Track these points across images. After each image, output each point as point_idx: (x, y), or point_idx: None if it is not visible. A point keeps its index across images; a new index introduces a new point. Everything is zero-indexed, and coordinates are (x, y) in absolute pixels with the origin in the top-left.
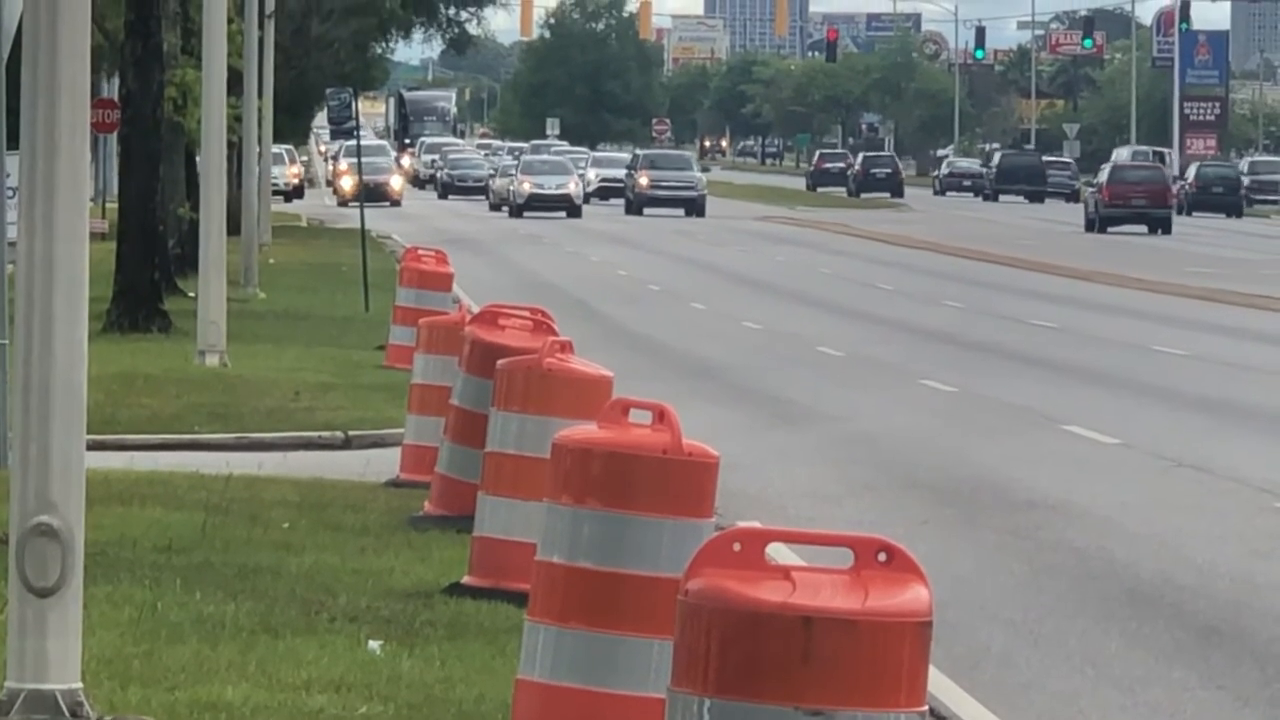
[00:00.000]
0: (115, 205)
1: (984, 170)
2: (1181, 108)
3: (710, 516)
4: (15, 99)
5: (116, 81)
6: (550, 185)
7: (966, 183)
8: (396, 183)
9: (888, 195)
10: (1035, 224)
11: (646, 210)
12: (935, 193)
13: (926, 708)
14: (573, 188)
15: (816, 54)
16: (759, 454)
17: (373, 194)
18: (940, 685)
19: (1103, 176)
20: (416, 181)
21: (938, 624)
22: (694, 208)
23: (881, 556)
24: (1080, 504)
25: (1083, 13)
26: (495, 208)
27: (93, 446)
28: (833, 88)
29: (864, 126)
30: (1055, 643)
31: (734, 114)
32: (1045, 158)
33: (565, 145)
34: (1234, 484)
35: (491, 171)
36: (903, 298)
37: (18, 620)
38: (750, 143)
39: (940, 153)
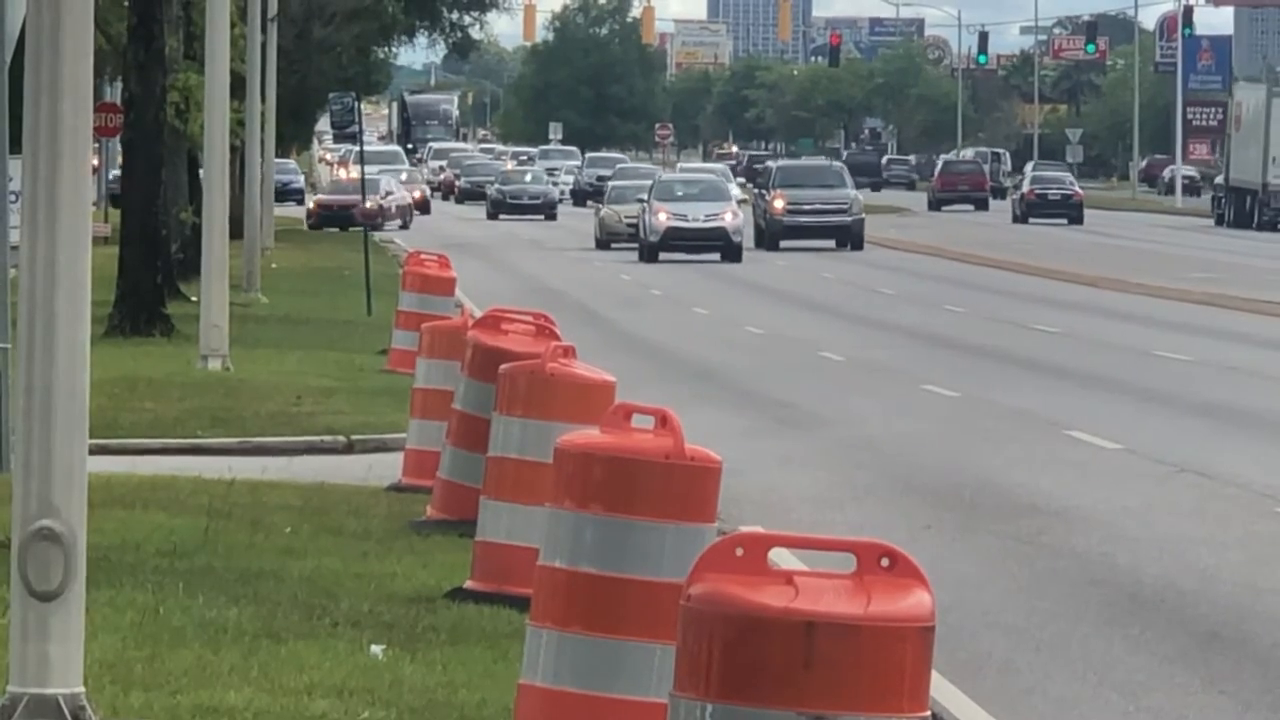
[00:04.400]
0: (118, 209)
1: None
2: (1184, 113)
3: (713, 521)
4: (18, 103)
5: (119, 86)
6: (696, 215)
7: None
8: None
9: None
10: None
11: (785, 243)
12: None
13: (929, 713)
14: (729, 219)
15: (819, 59)
16: (761, 459)
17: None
18: (942, 690)
19: (937, 169)
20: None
21: (940, 629)
22: (848, 237)
23: (884, 561)
24: (1082, 509)
25: (1085, 18)
26: (604, 244)
27: (95, 450)
28: (836, 93)
29: (867, 131)
30: (1057, 648)
31: (737, 119)
32: (886, 157)
33: (575, 150)
34: (1236, 489)
35: (557, 188)
36: (904, 302)
37: (20, 624)
38: (722, 148)
39: (944, 157)
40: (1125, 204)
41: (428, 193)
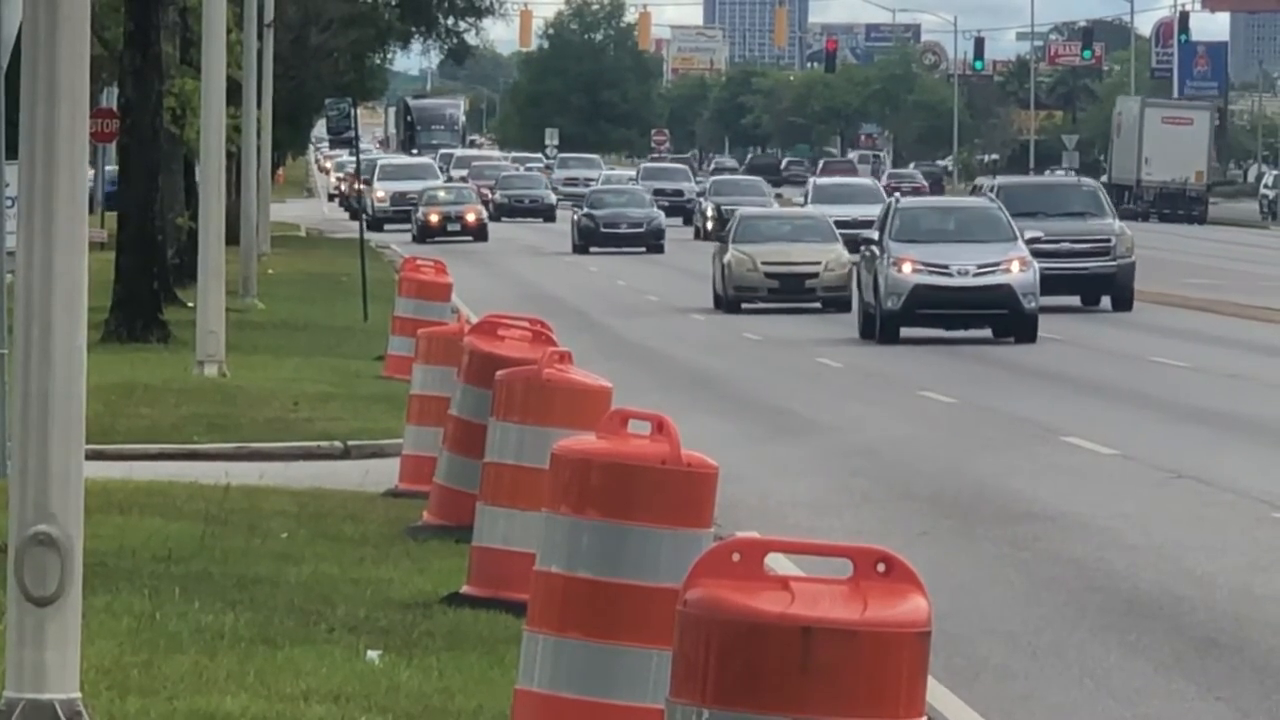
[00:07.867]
0: (114, 215)
1: (738, 167)
2: None
3: (709, 527)
4: (15, 108)
5: (115, 91)
6: (964, 267)
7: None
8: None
9: None
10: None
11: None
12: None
13: (925, 719)
14: (1016, 271)
15: (815, 65)
16: (758, 465)
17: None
18: (939, 696)
19: (819, 166)
20: None
21: (936, 635)
22: (1110, 290)
23: (880, 567)
24: (1079, 515)
25: (1082, 24)
26: (732, 304)
27: (91, 456)
28: (832, 99)
29: (863, 137)
30: (1054, 654)
31: (733, 125)
32: (786, 160)
33: (596, 159)
34: (1233, 495)
35: (655, 209)
36: None
37: (16, 630)
38: (691, 154)
39: (939, 163)
40: None
41: (484, 214)
